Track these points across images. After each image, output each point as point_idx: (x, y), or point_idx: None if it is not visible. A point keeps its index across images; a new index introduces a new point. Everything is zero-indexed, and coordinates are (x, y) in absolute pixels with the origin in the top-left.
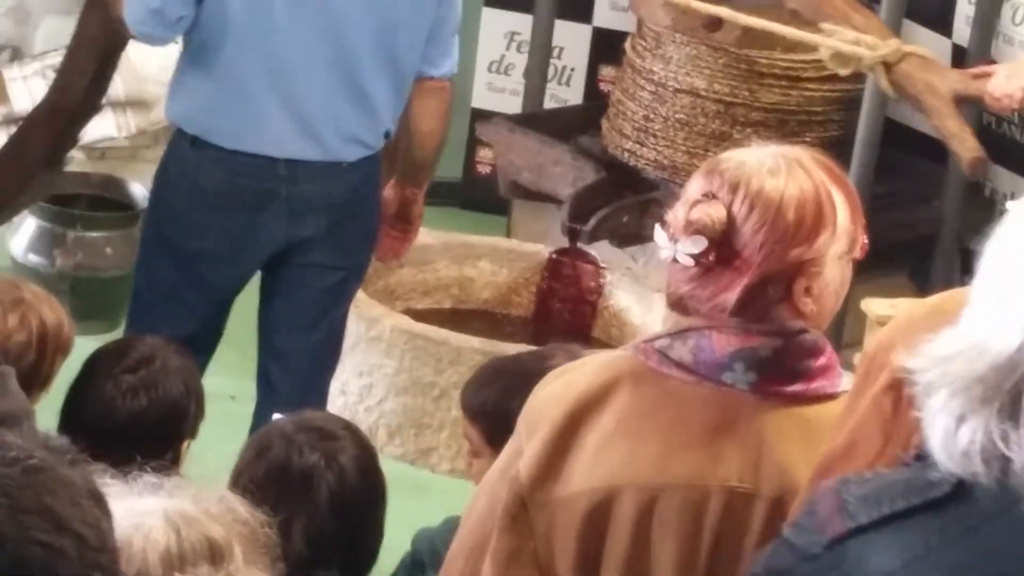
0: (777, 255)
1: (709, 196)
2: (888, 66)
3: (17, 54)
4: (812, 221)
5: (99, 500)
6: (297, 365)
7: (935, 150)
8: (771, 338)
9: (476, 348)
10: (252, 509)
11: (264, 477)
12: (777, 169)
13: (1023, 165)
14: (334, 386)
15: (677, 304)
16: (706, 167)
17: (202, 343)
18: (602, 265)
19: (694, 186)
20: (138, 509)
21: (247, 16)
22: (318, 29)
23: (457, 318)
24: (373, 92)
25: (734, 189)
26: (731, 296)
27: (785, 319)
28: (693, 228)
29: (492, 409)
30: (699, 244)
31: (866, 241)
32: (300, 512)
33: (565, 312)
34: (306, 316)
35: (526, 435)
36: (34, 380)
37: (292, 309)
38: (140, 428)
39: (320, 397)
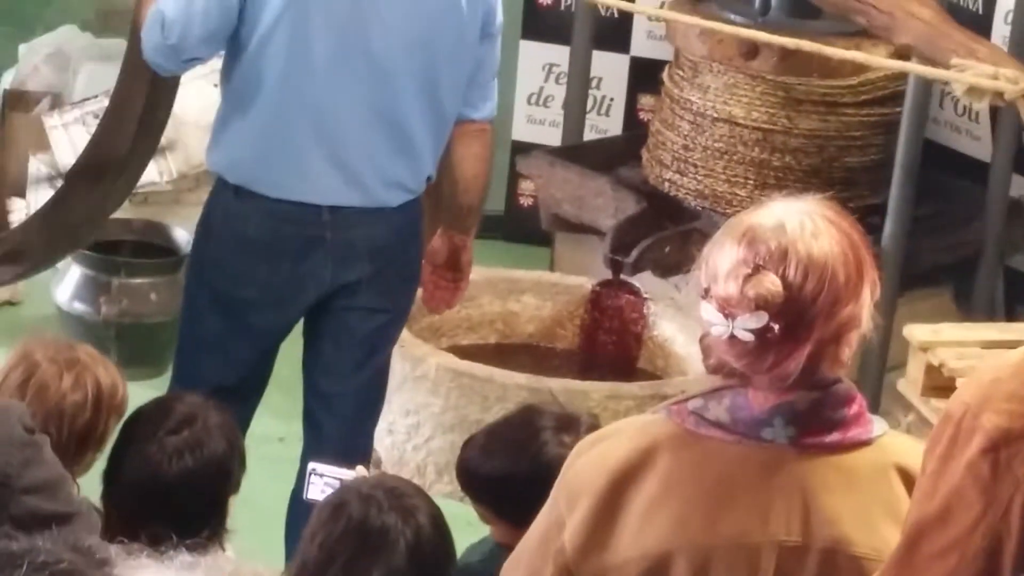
0: (833, 318)
1: (759, 268)
2: None
3: (57, 101)
4: (856, 276)
5: None
6: (343, 408)
7: (976, 171)
8: (808, 391)
9: (521, 384)
10: None
11: (342, 535)
12: (817, 231)
13: None
14: (381, 425)
15: (719, 370)
16: (741, 234)
17: (250, 390)
18: (645, 296)
19: (731, 255)
20: None
21: (285, 64)
22: (359, 74)
23: (502, 353)
24: (415, 136)
25: (783, 257)
26: (793, 365)
27: (826, 372)
28: (753, 304)
29: (495, 486)
30: (760, 319)
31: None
32: (378, 569)
33: (610, 344)
34: (351, 360)
35: (566, 507)
36: (89, 441)
37: (338, 353)
38: (187, 489)
39: (366, 439)
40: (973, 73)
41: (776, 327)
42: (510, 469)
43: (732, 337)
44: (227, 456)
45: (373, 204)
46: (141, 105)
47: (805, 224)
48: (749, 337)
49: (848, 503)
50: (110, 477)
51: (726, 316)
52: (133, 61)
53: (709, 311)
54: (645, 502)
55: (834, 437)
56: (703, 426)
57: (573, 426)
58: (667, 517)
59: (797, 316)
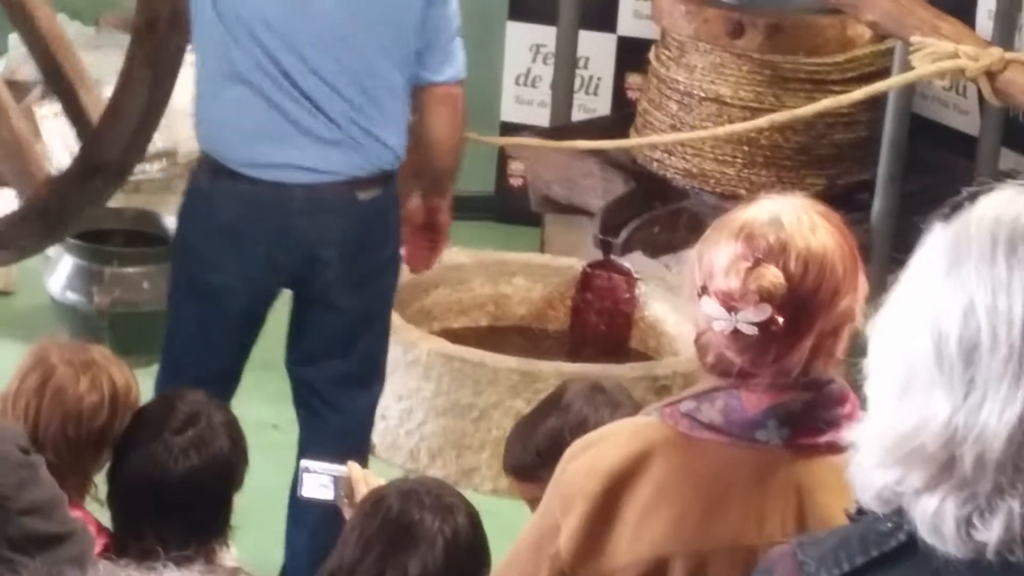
0: (833, 309)
1: (759, 261)
2: (992, 76)
3: (48, 90)
4: (852, 268)
5: None
6: (331, 396)
7: (963, 144)
8: (801, 392)
9: (513, 368)
10: None
11: (379, 528)
12: (814, 224)
13: None
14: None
15: (717, 367)
16: (737, 229)
17: (231, 376)
18: (636, 276)
19: (728, 251)
20: None
21: (230, 21)
22: (305, 37)
23: (494, 336)
24: (365, 104)
25: (783, 250)
26: (796, 358)
27: (820, 369)
28: (757, 297)
29: (532, 462)
30: (764, 312)
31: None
32: (414, 564)
33: (601, 324)
34: (330, 351)
35: (561, 511)
36: (105, 440)
37: (319, 343)
38: (193, 488)
39: (362, 428)
40: (933, 51)
41: (781, 319)
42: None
43: (735, 331)
44: (232, 454)
45: (344, 175)
46: (141, 108)
47: (801, 218)
48: (753, 331)
49: (843, 502)
50: (115, 477)
51: (728, 310)
52: (134, 64)
53: (711, 305)
54: (640, 506)
55: (828, 437)
56: (696, 428)
57: (599, 390)
58: (662, 521)
59: (800, 308)
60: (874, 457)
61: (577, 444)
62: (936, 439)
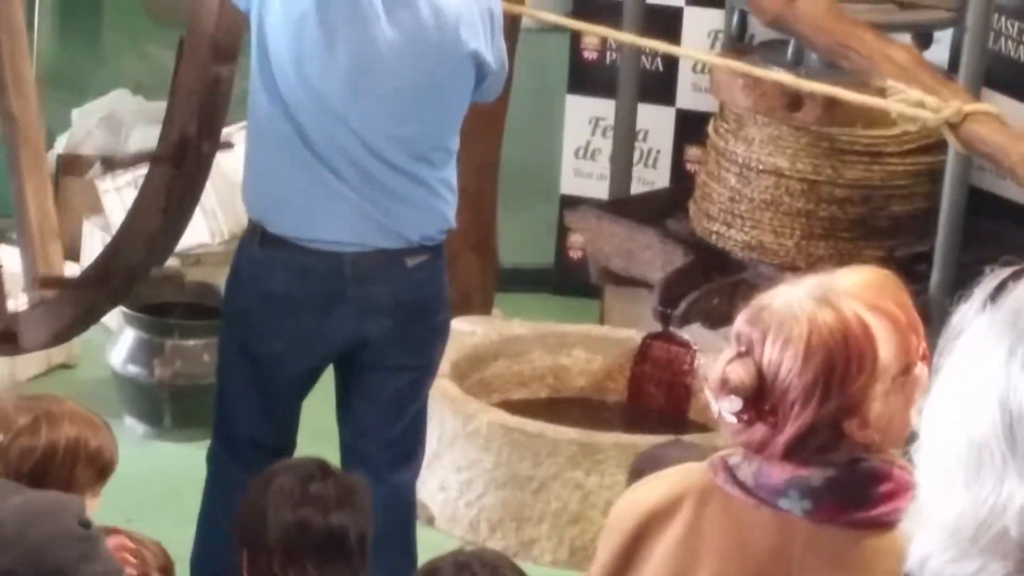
0: (812, 407)
1: (743, 352)
2: (955, 127)
3: (110, 164)
4: (843, 367)
5: None
6: (377, 464)
7: (1021, 216)
8: (823, 468)
9: (572, 439)
10: None
11: None
12: (802, 314)
13: None
14: (434, 482)
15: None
16: (751, 310)
17: (286, 441)
18: (695, 347)
19: (736, 331)
20: None
21: (305, 110)
22: (363, 116)
23: (554, 407)
24: (427, 180)
25: (763, 340)
26: (777, 447)
27: (849, 450)
28: (727, 389)
29: None
30: (735, 404)
31: (927, 348)
32: None
33: (660, 396)
34: (381, 417)
35: (602, 539)
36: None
37: (368, 411)
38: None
39: (406, 493)
40: (901, 99)
41: (750, 412)
42: None
43: (720, 416)
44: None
45: (390, 247)
46: (165, 196)
47: (799, 309)
48: (732, 419)
49: None
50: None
51: (715, 398)
52: (150, 190)
53: (708, 393)
54: (664, 549)
55: (856, 515)
56: (730, 484)
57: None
58: (681, 566)
59: (772, 401)
60: (950, 551)
61: (639, 482)
62: (1018, 523)
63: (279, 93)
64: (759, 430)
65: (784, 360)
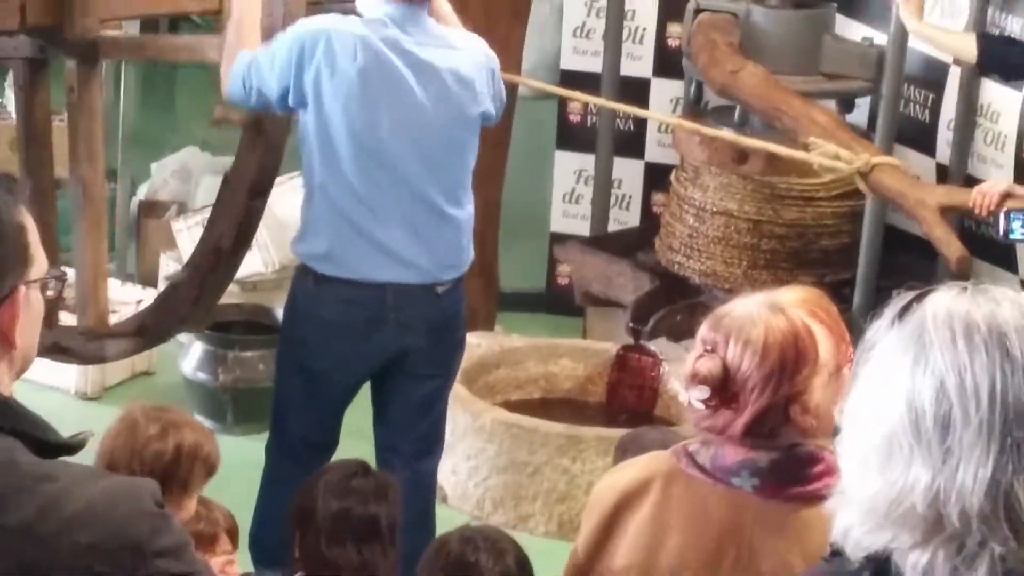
0: (767, 393)
1: (709, 350)
2: (864, 174)
3: (182, 208)
4: (793, 362)
5: None
6: (407, 456)
7: (929, 250)
8: (769, 452)
9: (560, 432)
10: None
11: (441, 569)
12: (759, 320)
13: (999, 260)
14: (447, 466)
15: (697, 427)
16: (712, 319)
17: (329, 442)
18: (660, 357)
19: (698, 336)
20: None
21: (357, 169)
22: (404, 177)
23: (545, 406)
24: (447, 218)
25: (726, 341)
26: (738, 427)
27: (791, 435)
28: (697, 379)
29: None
30: (704, 392)
31: (852, 353)
32: None
33: (632, 397)
34: (412, 417)
35: (585, 516)
36: (166, 482)
37: (400, 412)
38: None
39: (430, 478)
40: (820, 152)
41: (716, 399)
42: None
43: (690, 404)
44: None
45: (426, 281)
46: (198, 289)
47: (756, 313)
48: (700, 406)
49: (799, 547)
50: (305, 524)
51: (685, 389)
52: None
53: (676, 383)
54: (638, 522)
55: (794, 490)
56: (691, 467)
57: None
58: (650, 538)
59: (734, 389)
60: (867, 524)
61: (615, 467)
62: (923, 500)
63: (335, 160)
64: (722, 416)
65: (745, 356)
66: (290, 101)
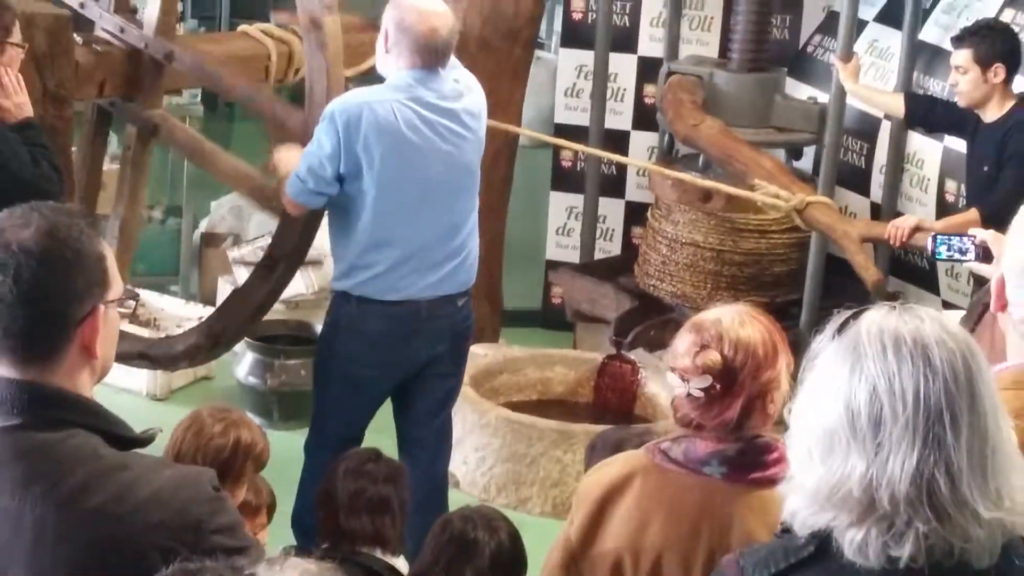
0: (757, 380)
1: (705, 347)
2: (799, 211)
3: (237, 240)
4: (772, 353)
5: None
6: (426, 445)
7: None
8: (735, 443)
9: (554, 428)
10: None
11: (446, 543)
12: (743, 321)
13: (923, 284)
14: (458, 458)
15: (684, 422)
16: (693, 326)
17: (359, 437)
18: (639, 365)
19: (686, 340)
20: None
21: (382, 209)
22: (431, 212)
23: (541, 406)
24: (462, 241)
25: (720, 339)
26: (732, 414)
27: (756, 426)
28: (701, 370)
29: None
30: (706, 381)
31: (791, 362)
32: (469, 569)
33: (614, 399)
34: (434, 409)
35: (575, 509)
36: (224, 474)
37: (422, 407)
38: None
39: (444, 464)
40: (763, 192)
41: (718, 386)
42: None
43: (689, 395)
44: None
45: (451, 292)
46: (258, 305)
47: (734, 318)
48: (700, 394)
49: (762, 524)
50: (327, 503)
51: (684, 380)
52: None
53: (674, 378)
54: (623, 512)
55: (756, 475)
56: (666, 462)
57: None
58: (635, 524)
59: (731, 378)
60: (811, 507)
61: (598, 464)
62: (859, 486)
63: (386, 204)
64: (716, 405)
65: (740, 348)
66: (342, 169)
